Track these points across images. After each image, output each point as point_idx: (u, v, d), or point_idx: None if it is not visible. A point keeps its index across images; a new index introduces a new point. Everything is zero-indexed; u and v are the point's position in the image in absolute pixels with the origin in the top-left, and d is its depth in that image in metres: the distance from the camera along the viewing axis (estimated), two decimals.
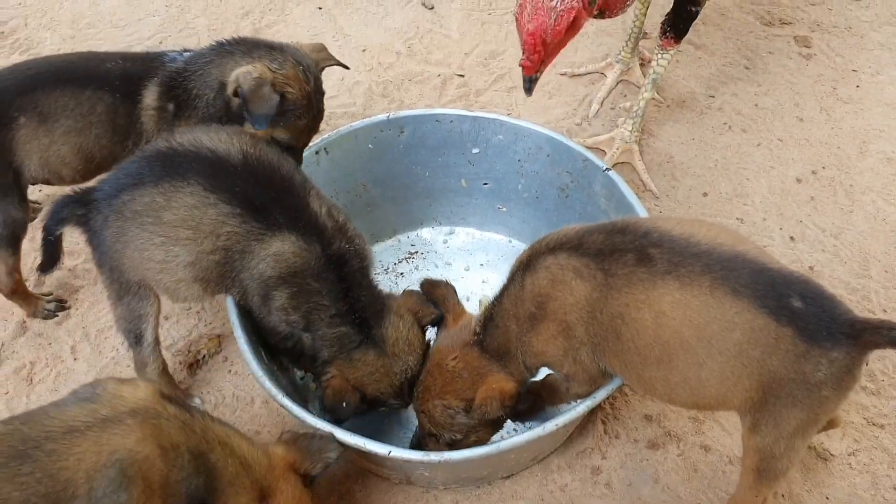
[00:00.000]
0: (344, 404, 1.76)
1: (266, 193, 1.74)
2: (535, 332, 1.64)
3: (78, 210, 1.79)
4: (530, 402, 1.90)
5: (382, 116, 2.29)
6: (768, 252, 2.37)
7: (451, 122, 2.30)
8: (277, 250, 1.70)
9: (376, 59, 3.13)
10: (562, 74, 3.08)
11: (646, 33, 3.15)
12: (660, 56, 2.56)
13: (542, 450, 1.95)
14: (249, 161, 1.75)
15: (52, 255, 1.89)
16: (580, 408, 1.70)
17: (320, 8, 3.36)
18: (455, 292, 1.87)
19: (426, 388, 1.77)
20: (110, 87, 1.98)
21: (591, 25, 3.28)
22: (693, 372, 1.51)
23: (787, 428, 1.52)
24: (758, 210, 2.57)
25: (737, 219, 2.54)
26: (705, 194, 2.63)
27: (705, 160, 2.75)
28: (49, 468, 1.27)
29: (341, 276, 1.74)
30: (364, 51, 3.16)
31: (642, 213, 1.97)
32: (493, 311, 1.70)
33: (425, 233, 2.51)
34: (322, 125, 2.78)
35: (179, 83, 1.98)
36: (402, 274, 2.40)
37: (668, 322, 1.49)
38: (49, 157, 1.99)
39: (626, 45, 2.99)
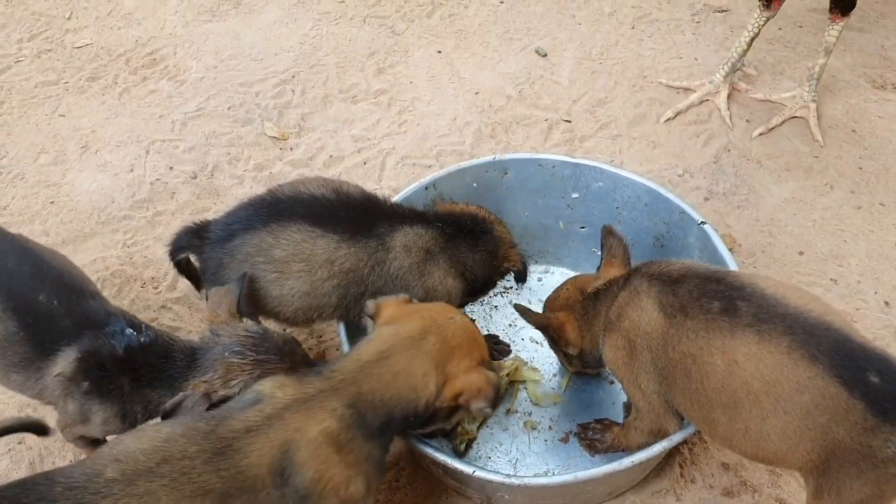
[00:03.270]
0: None
1: (364, 214, 1.95)
2: (610, 333, 1.84)
3: (195, 241, 1.99)
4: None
5: (489, 158, 2.44)
6: (860, 316, 2.41)
7: (554, 166, 2.44)
8: (402, 243, 1.95)
9: (488, 101, 3.31)
10: (660, 82, 3.34)
11: (743, 65, 3.30)
12: (830, 28, 2.95)
13: (619, 486, 2.04)
14: (341, 195, 1.97)
15: (190, 276, 2.11)
16: (656, 447, 1.78)
17: (440, 52, 3.57)
18: (624, 249, 2.01)
19: None
20: None
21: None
22: (756, 423, 1.56)
23: (850, 499, 1.53)
24: (853, 273, 2.59)
25: (831, 279, 2.57)
26: (801, 253, 2.67)
27: (804, 219, 2.78)
28: (239, 464, 1.44)
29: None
30: (477, 93, 3.35)
31: (734, 267, 2.05)
32: (601, 292, 1.90)
33: None
34: (432, 162, 3.02)
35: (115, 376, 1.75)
36: (496, 307, 2.54)
37: (740, 372, 1.55)
38: None
39: (722, 69, 3.20)
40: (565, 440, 2.18)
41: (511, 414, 2.25)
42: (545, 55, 3.53)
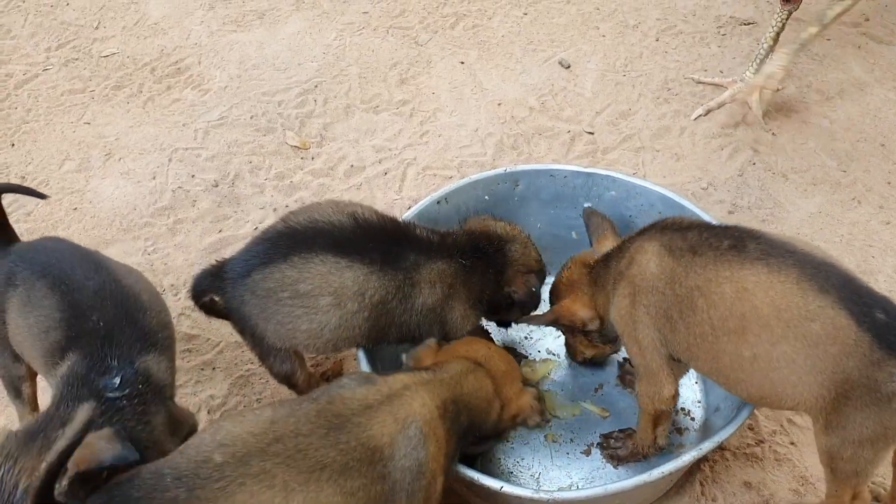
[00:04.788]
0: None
1: (389, 243, 1.91)
2: (618, 285, 1.84)
3: (215, 282, 1.94)
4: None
5: (500, 170, 2.44)
6: None
7: (565, 177, 2.42)
8: (427, 279, 1.93)
9: (510, 112, 3.29)
10: (688, 78, 3.38)
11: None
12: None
13: (645, 499, 2.00)
14: (360, 222, 1.92)
15: (217, 314, 2.07)
16: (686, 457, 1.77)
17: (462, 62, 3.56)
18: (610, 226, 2.10)
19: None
20: None
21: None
22: (765, 349, 1.58)
23: (853, 434, 1.57)
24: (881, 289, 2.46)
25: None
26: None
27: (830, 234, 2.73)
28: (360, 437, 1.50)
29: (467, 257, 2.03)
30: (499, 104, 3.33)
31: None
32: (611, 253, 1.93)
33: None
34: (453, 173, 3.00)
35: None
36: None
37: (749, 298, 1.59)
38: (15, 340, 1.86)
39: (752, 66, 3.16)
40: (587, 453, 2.14)
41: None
42: (568, 67, 3.51)
